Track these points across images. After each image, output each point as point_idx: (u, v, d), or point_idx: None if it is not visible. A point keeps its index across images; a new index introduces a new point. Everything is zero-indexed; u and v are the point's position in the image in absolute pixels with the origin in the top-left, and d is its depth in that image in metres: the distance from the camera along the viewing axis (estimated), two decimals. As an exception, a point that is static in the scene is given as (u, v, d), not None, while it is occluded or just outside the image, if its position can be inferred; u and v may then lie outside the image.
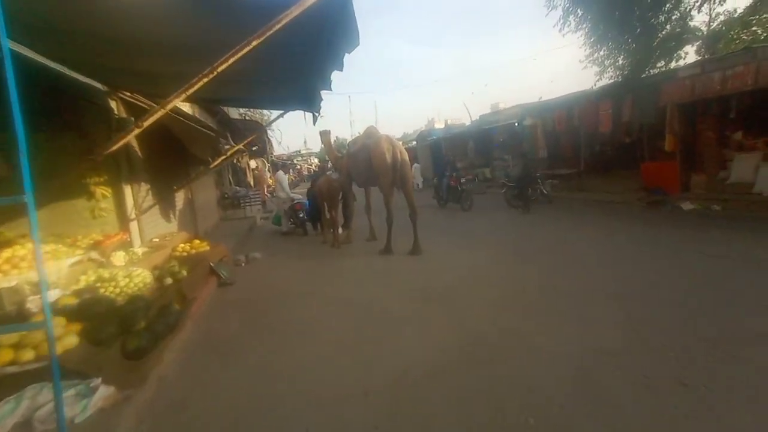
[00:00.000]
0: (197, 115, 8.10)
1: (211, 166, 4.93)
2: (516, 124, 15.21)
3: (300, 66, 3.11)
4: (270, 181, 15.58)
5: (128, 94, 4.65)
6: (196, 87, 2.09)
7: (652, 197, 9.32)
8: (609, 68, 10.99)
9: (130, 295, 3.48)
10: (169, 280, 4.17)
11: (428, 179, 19.73)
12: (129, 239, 4.61)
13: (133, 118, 4.66)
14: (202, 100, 5.21)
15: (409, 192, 5.99)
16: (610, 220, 7.71)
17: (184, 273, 4.44)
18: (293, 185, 27.79)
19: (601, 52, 11.20)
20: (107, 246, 4.10)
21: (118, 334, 2.95)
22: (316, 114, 4.58)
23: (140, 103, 4.78)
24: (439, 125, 27.63)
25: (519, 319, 3.42)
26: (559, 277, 4.41)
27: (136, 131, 1.81)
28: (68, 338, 2.64)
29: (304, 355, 3.07)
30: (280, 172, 9.34)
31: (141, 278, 3.78)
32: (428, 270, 5.17)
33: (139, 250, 4.54)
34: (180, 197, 7.24)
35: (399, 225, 6.38)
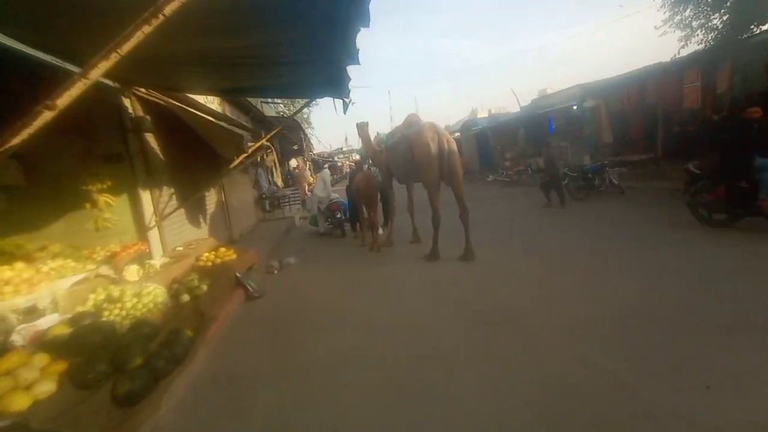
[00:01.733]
0: (228, 113, 7.76)
1: (232, 165, 4.38)
2: (574, 106, 13.56)
3: (317, 28, 2.40)
4: (311, 179, 15.28)
5: (143, 91, 4.23)
6: (131, 42, 1.41)
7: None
8: (698, 30, 9.15)
9: (136, 320, 2.98)
10: (185, 297, 3.67)
11: (473, 172, 18.49)
12: (148, 250, 4.20)
13: (149, 117, 4.24)
14: (221, 92, 4.68)
15: (459, 187, 5.10)
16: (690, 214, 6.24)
17: (204, 287, 3.93)
18: (333, 183, 27.76)
19: (687, 12, 9.36)
20: (121, 258, 3.68)
21: (110, 374, 2.42)
22: (346, 100, 3.86)
23: (157, 100, 4.34)
24: (483, 115, 26.09)
25: (614, 356, 2.47)
26: (655, 296, 3.34)
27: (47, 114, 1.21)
28: (42, 385, 2.13)
29: (333, 408, 2.36)
30: (326, 171, 8.80)
31: (152, 296, 3.29)
32: (484, 281, 4.27)
33: (157, 261, 4.12)
34: (211, 199, 6.92)
35: (446, 225, 5.51)
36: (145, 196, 4.33)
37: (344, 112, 3.98)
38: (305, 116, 31.35)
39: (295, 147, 18.32)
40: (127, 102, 4.10)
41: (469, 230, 5.10)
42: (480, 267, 4.82)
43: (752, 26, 8.30)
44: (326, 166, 9.27)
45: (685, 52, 9.70)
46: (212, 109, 6.40)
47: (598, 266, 4.32)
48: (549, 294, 3.69)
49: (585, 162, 11.98)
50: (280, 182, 6.14)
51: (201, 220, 6.21)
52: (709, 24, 8.99)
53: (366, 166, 8.77)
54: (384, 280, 4.80)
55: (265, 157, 5.26)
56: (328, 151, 41.40)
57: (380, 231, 7.42)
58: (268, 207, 11.23)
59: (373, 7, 2.02)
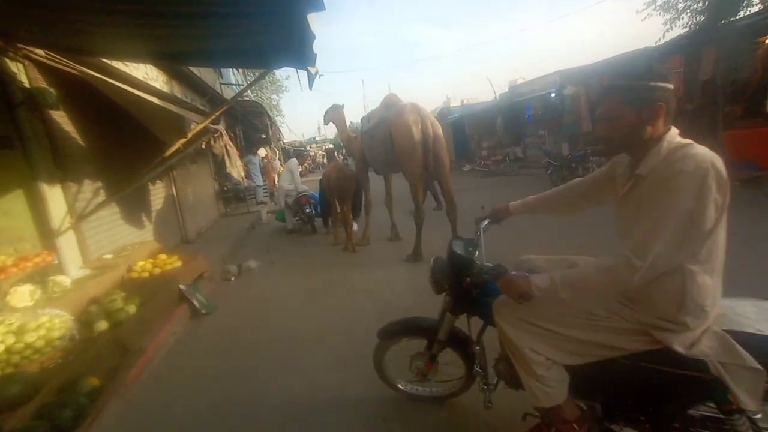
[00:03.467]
0: (179, 95, 6.70)
1: (168, 152, 3.47)
2: (553, 94, 13.21)
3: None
4: (281, 169, 14.18)
5: (41, 54, 3.22)
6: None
7: (745, 173, 7.42)
8: (684, 13, 8.84)
9: (11, 371, 2.11)
10: (102, 325, 2.80)
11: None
12: (57, 261, 3.25)
13: (53, 90, 3.25)
14: (154, 58, 3.73)
15: (446, 179, 4.43)
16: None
17: (132, 308, 3.07)
18: (306, 173, 26.55)
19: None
20: (9, 276, 2.75)
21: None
22: (311, 70, 3.06)
23: (66, 68, 3.35)
24: (455, 104, 25.66)
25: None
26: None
27: None
28: None
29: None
30: (293, 160, 7.90)
31: (45, 330, 2.41)
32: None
33: (68, 277, 3.19)
34: (158, 194, 5.92)
35: (427, 218, 4.84)
36: (52, 192, 3.34)
37: (310, 86, 3.19)
38: (274, 103, 29.84)
39: (263, 136, 17.07)
40: (14, 67, 3.09)
41: (458, 228, 4.44)
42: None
43: (741, 9, 8.06)
44: (294, 158, 8.33)
45: (670, 37, 9.41)
46: (156, 88, 5.37)
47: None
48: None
49: (564, 151, 11.71)
50: (236, 174, 5.20)
51: (143, 218, 5.22)
52: (695, 6, 8.71)
53: (339, 154, 7.94)
54: (359, 289, 4.08)
55: (212, 142, 4.34)
56: (301, 140, 39.91)
57: (355, 227, 6.69)
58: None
59: None
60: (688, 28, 8.85)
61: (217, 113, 3.65)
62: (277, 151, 20.31)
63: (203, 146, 4.34)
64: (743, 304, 1.21)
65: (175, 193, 6.58)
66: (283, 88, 29.13)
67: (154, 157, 3.63)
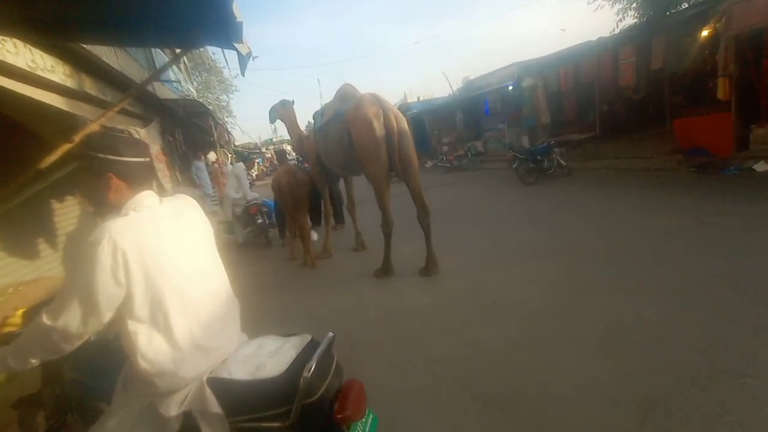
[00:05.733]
0: (93, 92, 5.59)
1: (44, 164, 2.57)
2: (510, 87, 13.15)
3: None
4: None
5: None
6: None
7: (698, 160, 7.55)
8: (633, 3, 8.91)
9: None
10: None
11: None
12: None
13: None
14: (25, 25, 2.79)
15: (415, 179, 3.85)
16: (664, 194, 5.83)
17: None
18: (262, 177, 25.10)
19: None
20: None
21: None
22: (240, 49, 2.34)
23: None
24: (412, 101, 25.48)
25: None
26: (688, 301, 2.45)
27: None
28: None
29: None
30: (240, 164, 7.00)
31: None
32: (458, 310, 3.11)
33: None
34: (67, 211, 4.85)
35: (400, 225, 4.26)
36: None
37: (242, 71, 2.45)
38: (223, 104, 28.01)
39: (212, 138, 15.69)
40: None
41: (431, 237, 3.89)
42: (449, 285, 3.65)
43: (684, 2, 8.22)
44: (241, 162, 7.40)
45: (624, 26, 9.50)
46: (52, 81, 4.32)
47: (607, 276, 3.39)
48: (562, 322, 2.63)
49: (523, 143, 11.65)
50: (165, 185, 4.31)
51: (40, 245, 4.18)
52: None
53: (290, 155, 7.17)
54: (320, 317, 3.40)
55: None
56: (256, 142, 37.97)
57: (314, 236, 5.98)
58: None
59: None
60: (638, 19, 8.93)
61: (117, 106, 2.81)
62: (229, 155, 18.92)
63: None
64: (252, 346, 1.26)
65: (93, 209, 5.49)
66: (233, 88, 27.42)
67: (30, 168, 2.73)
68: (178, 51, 2.85)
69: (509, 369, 2.25)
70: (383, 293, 3.72)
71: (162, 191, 4.63)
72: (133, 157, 1.17)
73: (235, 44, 2.41)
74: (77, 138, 2.71)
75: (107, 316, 1.08)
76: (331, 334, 1.31)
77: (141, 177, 1.19)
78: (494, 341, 2.56)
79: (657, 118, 11.40)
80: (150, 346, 1.10)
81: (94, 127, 2.89)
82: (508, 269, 3.73)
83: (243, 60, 2.64)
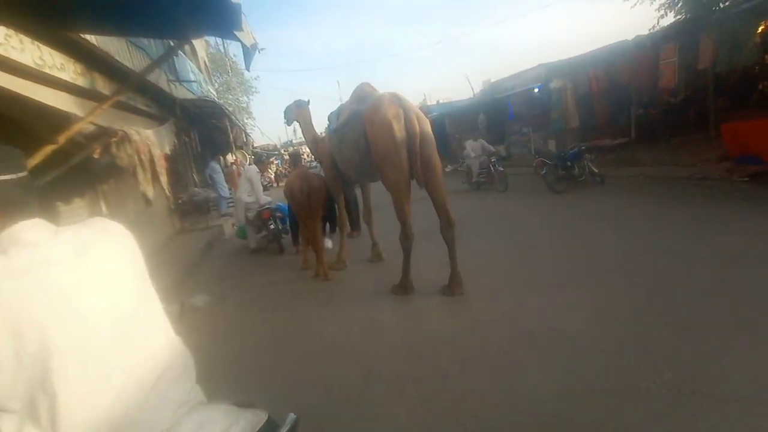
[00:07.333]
0: (106, 91, 5.46)
1: (33, 161, 2.31)
2: (536, 89, 12.56)
3: None
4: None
5: None
6: None
7: (751, 168, 6.84)
8: (679, 0, 8.23)
9: None
10: None
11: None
12: None
13: None
14: (23, 13, 2.56)
15: (438, 188, 3.45)
16: (715, 207, 5.21)
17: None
18: (282, 178, 25.15)
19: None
20: None
21: None
22: (243, 39, 2.04)
23: None
24: (431, 104, 25.06)
25: None
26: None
27: None
28: None
29: None
30: (252, 167, 6.78)
31: None
32: (489, 338, 2.70)
33: None
34: (73, 215, 4.69)
35: (420, 236, 3.87)
36: None
37: (247, 65, 2.19)
38: (244, 105, 28.32)
39: (229, 139, 15.72)
40: None
41: (456, 252, 3.48)
42: (477, 309, 3.24)
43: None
44: (254, 164, 7.20)
45: (664, 24, 8.82)
46: (56, 77, 4.16)
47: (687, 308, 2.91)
48: (621, 379, 2.19)
49: (550, 148, 11.04)
50: (150, 193, 4.04)
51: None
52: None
53: (306, 157, 6.90)
54: (329, 342, 3.04)
55: (113, 150, 3.18)
56: (276, 144, 38.29)
57: (330, 244, 5.66)
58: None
59: None
60: (682, 15, 8.25)
61: (110, 101, 2.56)
62: (248, 156, 18.97)
63: (95, 155, 3.16)
64: (191, 423, 0.88)
65: (105, 210, 5.35)
66: (253, 89, 27.73)
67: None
68: (172, 43, 2.58)
69: (557, 423, 1.84)
70: (402, 315, 3.34)
71: (147, 202, 4.38)
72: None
73: (236, 33, 2.11)
74: (62, 139, 2.47)
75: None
76: (292, 415, 0.94)
77: (15, 201, 0.82)
78: (534, 381, 2.14)
79: (698, 122, 10.61)
80: None
81: (82, 126, 2.66)
82: (543, 292, 3.29)
83: (248, 52, 2.33)
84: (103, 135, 3.10)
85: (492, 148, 10.17)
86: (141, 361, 0.85)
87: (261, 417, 0.91)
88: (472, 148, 10.05)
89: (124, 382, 0.82)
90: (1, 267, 0.73)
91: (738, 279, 3.02)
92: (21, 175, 0.82)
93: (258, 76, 26.66)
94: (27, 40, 3.76)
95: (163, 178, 4.06)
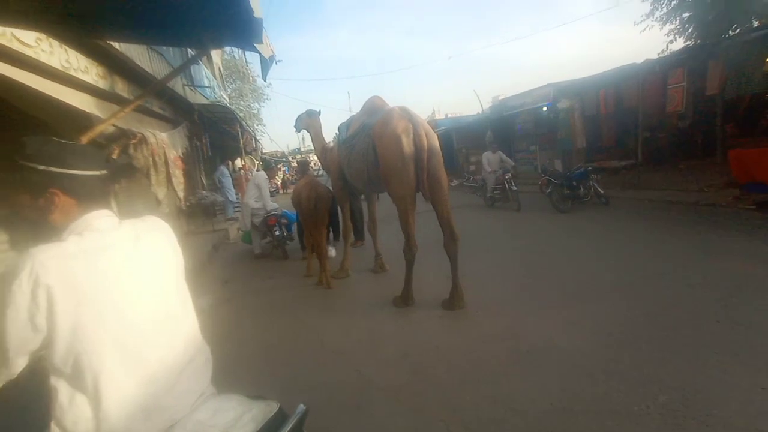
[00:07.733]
0: (126, 93, 5.64)
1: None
2: (544, 108, 12.68)
3: None
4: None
5: None
6: None
7: (758, 196, 6.83)
8: (689, 24, 8.35)
9: None
10: None
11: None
12: None
13: None
14: (49, 18, 2.70)
15: (444, 203, 3.52)
16: (721, 233, 5.20)
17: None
18: (289, 185, 25.38)
19: (674, 2, 8.55)
20: None
21: None
22: (261, 50, 2.13)
23: None
24: (440, 117, 25.30)
25: None
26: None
27: None
28: None
29: None
30: (261, 173, 6.87)
31: None
32: (488, 352, 2.72)
33: None
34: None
35: (423, 249, 3.91)
36: None
37: (264, 75, 2.26)
38: (255, 111, 28.77)
39: (239, 145, 15.97)
40: None
41: (458, 266, 3.52)
42: (477, 324, 3.26)
43: (752, 19, 7.61)
44: (263, 171, 7.29)
45: (673, 50, 8.93)
46: (80, 79, 4.32)
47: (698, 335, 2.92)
48: (614, 400, 2.20)
49: (556, 167, 11.07)
50: (161, 194, 4.16)
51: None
52: (702, 18, 8.24)
53: (314, 166, 6.99)
54: (330, 350, 3.08)
55: (131, 151, 3.31)
56: (284, 151, 38.73)
57: (332, 252, 5.71)
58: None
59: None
60: (692, 41, 8.36)
61: (130, 106, 2.67)
62: (257, 162, 19.22)
63: (113, 155, 3.29)
64: (208, 410, 0.97)
65: (115, 210, 5.45)
66: (265, 96, 28.23)
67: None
68: (193, 52, 2.70)
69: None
70: (402, 326, 3.37)
71: (157, 202, 4.49)
72: (86, 169, 0.96)
73: (255, 45, 2.20)
74: (85, 139, 2.58)
75: (18, 364, 0.89)
76: (302, 406, 1.01)
77: (94, 194, 0.98)
78: (530, 398, 2.16)
79: (705, 147, 10.64)
80: (69, 410, 0.87)
81: (103, 127, 2.77)
82: (543, 310, 3.31)
83: (265, 63, 2.42)
84: (122, 136, 3.22)
85: (511, 162, 9.59)
86: (172, 350, 0.98)
87: (272, 407, 1.00)
88: (489, 161, 9.30)
89: (157, 367, 0.93)
90: (74, 247, 0.87)
91: (740, 305, 3.02)
92: (102, 172, 1.00)
93: (270, 84, 27.15)
94: (56, 44, 3.93)
95: (178, 180, 4.15)
